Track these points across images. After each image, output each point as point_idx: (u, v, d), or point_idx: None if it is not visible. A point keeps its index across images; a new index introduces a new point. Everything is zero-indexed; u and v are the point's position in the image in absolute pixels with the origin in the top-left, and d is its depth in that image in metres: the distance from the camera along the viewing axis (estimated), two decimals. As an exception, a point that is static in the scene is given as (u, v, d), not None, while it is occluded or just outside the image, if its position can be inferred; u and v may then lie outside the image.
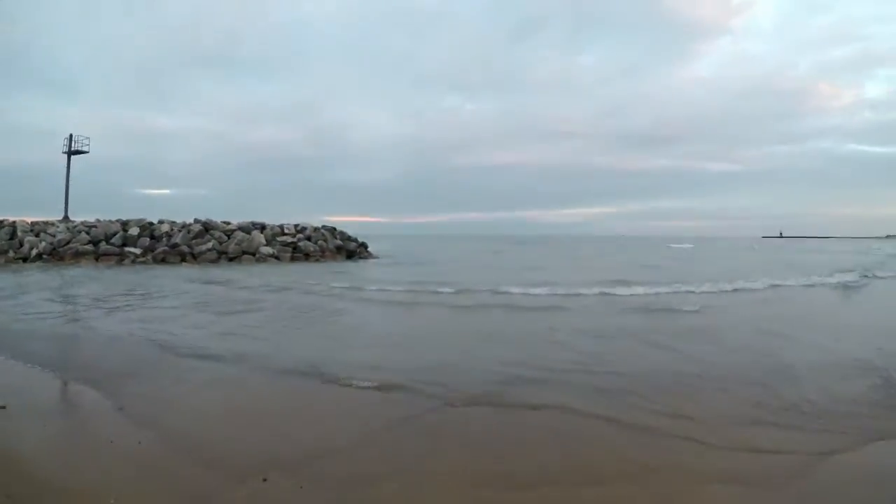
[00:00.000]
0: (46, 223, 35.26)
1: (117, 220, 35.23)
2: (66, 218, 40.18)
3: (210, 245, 33.94)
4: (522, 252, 59.76)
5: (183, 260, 32.50)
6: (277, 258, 34.40)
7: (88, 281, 21.82)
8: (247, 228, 36.10)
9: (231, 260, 33.50)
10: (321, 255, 36.48)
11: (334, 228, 41.18)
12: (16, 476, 4.67)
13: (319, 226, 40.24)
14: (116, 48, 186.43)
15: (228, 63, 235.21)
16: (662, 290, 18.70)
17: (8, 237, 32.49)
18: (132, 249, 32.42)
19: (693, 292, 18.16)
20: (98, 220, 35.84)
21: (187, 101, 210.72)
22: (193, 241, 34.07)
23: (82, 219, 37.33)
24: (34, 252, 31.31)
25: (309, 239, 37.33)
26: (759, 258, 48.08)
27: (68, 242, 32.41)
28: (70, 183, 42.59)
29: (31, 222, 34.99)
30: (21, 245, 32.05)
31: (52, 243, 32.08)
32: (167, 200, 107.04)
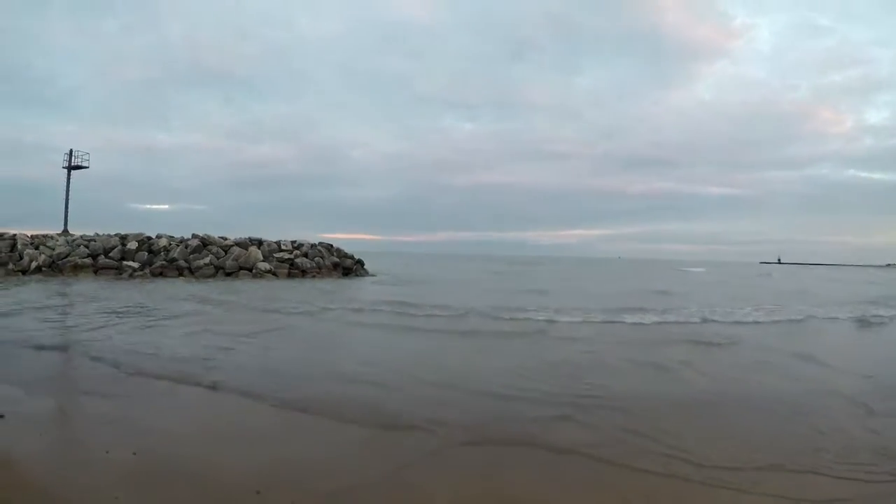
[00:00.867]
0: (46, 236, 35.49)
1: (116, 235, 35.46)
2: (65, 231, 40.44)
3: (207, 260, 34.11)
4: (524, 273, 57.78)
5: (180, 274, 32.65)
6: (274, 274, 34.53)
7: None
8: (244, 244, 36.28)
9: (228, 275, 33.62)
10: (318, 272, 36.58)
11: (331, 245, 41.29)
12: (13, 483, 4.85)
13: (316, 242, 40.38)
14: (115, 66, 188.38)
15: (226, 81, 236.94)
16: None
17: (8, 249, 32.69)
18: (130, 263, 32.61)
19: (760, 322, 17.46)
20: (97, 234, 36.08)
21: (185, 118, 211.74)
22: (191, 256, 34.25)
23: (81, 232, 37.57)
24: (34, 265, 31.50)
25: (306, 255, 37.46)
26: (784, 285, 43.95)
27: (67, 256, 32.59)
28: (70, 197, 42.94)
29: (31, 235, 35.22)
30: (21, 258, 32.24)
31: (51, 256, 32.28)
32: (166, 215, 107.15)
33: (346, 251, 42.09)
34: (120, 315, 15.36)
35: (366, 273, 41.20)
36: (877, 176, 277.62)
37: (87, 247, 33.56)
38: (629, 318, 17.33)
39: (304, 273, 35.85)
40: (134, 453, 5.79)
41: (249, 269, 34.42)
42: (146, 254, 33.75)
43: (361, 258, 42.62)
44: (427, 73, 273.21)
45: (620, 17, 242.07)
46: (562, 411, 7.57)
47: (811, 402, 8.20)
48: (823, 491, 5.25)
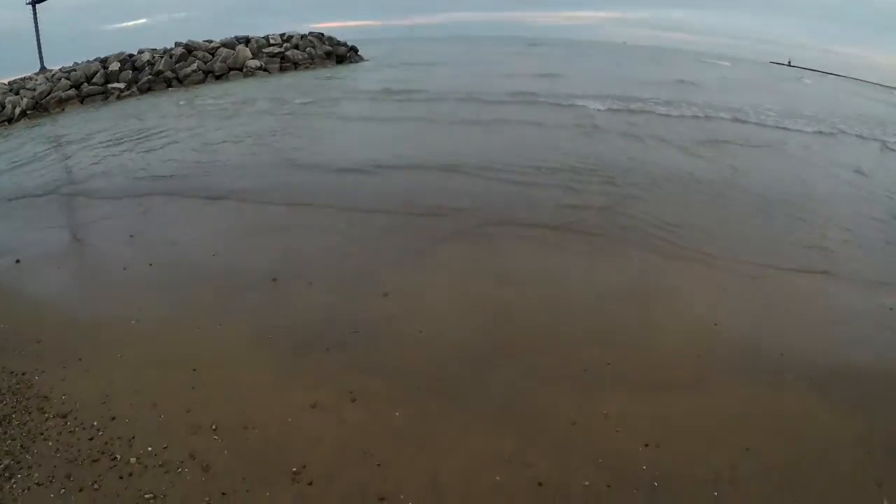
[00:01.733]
0: (24, 79, 33.85)
1: (96, 60, 33.54)
2: (42, 69, 38.46)
3: (195, 66, 32.47)
4: (542, 55, 48.84)
5: (169, 86, 31.43)
6: (266, 70, 32.95)
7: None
8: (231, 44, 34.08)
9: (218, 78, 32.27)
10: (310, 63, 34.80)
11: (322, 34, 38.42)
12: (42, 321, 5.11)
13: (307, 33, 37.64)
14: None
15: None
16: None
17: (-12, 102, 31.42)
18: (116, 85, 31.28)
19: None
20: (76, 64, 34.19)
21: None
22: (177, 66, 32.56)
23: (60, 66, 35.65)
24: (17, 111, 30.48)
25: (297, 48, 35.31)
26: (824, 93, 36.55)
27: (50, 92, 31.30)
28: (40, 34, 40.16)
29: (9, 82, 33.63)
30: (3, 107, 31.14)
31: (33, 97, 31.07)
32: (144, 30, 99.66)
33: (337, 39, 39.23)
34: (118, 143, 14.98)
35: (360, 59, 38.85)
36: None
37: (68, 78, 31.98)
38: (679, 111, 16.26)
39: (296, 66, 34.14)
40: (150, 264, 6.05)
41: (240, 69, 32.83)
42: (130, 72, 32.16)
43: (355, 45, 39.74)
44: None
45: None
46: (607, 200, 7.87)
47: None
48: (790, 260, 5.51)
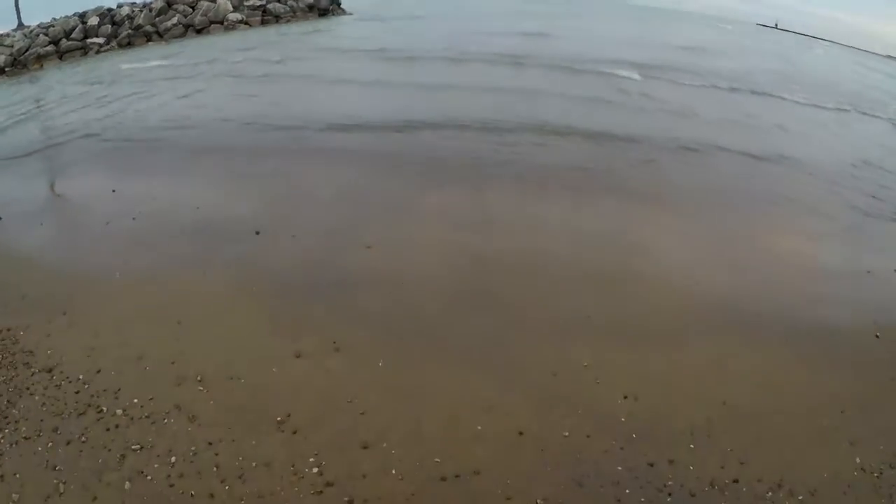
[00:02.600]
0: (2, 36, 32.67)
1: (74, 15, 32.43)
2: (20, 25, 37.09)
3: (175, 20, 31.48)
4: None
5: (149, 40, 30.53)
6: (247, 23, 32.02)
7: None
8: (211, -4, 32.92)
9: (199, 32, 31.32)
10: (292, 16, 33.83)
11: (304, -15, 37.05)
12: (26, 277, 5.07)
13: (288, -16, 36.21)
14: None
15: None
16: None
17: (-36, 62, 30.44)
18: (95, 40, 30.33)
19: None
20: (54, 20, 33.06)
21: None
22: (157, 19, 31.58)
23: (38, 22, 34.43)
24: (-5, 68, 29.58)
25: (279, 0, 34.24)
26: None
27: (28, 49, 30.35)
28: (15, -12, 38.43)
29: (-14, 39, 32.44)
30: (-20, 65, 30.18)
31: (11, 54, 30.13)
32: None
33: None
34: (100, 103, 14.53)
35: (343, 12, 37.51)
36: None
37: (46, 34, 31.00)
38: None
39: (277, 19, 33.19)
40: (133, 218, 6.01)
41: (221, 23, 31.85)
42: (110, 26, 31.18)
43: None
44: None
45: None
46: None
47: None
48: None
